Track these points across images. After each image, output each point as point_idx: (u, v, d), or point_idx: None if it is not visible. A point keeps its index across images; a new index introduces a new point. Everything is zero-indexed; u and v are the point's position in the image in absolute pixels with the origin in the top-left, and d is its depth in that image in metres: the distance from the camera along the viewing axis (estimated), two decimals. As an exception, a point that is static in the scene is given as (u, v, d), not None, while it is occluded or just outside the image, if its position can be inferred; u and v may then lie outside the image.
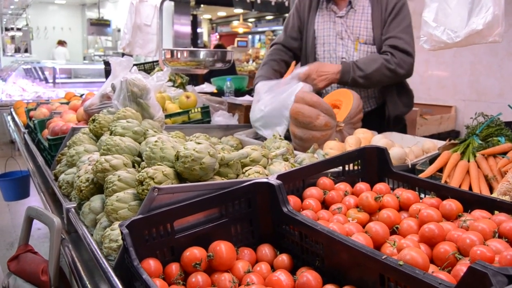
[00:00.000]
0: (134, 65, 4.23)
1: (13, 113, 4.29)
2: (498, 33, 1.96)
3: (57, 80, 8.94)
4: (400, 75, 2.62)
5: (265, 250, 1.34)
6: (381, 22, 2.65)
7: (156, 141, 1.53)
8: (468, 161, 1.83)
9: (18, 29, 14.20)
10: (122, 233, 1.14)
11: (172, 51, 2.70)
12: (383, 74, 2.57)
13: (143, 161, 1.60)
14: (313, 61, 2.85)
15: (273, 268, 1.28)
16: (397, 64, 2.56)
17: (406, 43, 2.59)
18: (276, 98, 2.45)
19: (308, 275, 1.15)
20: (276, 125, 2.41)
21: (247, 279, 1.17)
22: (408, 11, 2.67)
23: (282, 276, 1.16)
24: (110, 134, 1.83)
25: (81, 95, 4.22)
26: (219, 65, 2.85)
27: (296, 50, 3.04)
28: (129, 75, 2.16)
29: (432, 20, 2.08)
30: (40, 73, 9.22)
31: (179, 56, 2.70)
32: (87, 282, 1.38)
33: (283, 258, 1.29)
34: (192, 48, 3.53)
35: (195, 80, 4.90)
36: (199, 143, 1.43)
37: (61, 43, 15.78)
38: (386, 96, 2.78)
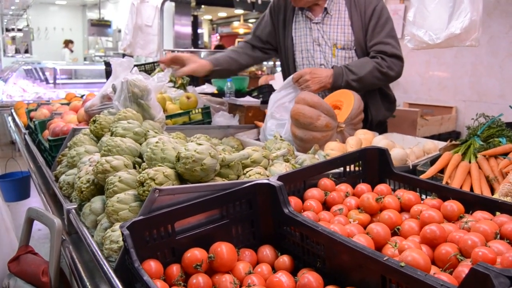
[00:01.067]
0: (135, 65, 4.23)
1: (14, 113, 4.29)
2: (475, 38, 2.02)
3: (57, 81, 8.94)
4: (392, 77, 2.64)
5: (266, 251, 1.33)
6: (362, 27, 2.65)
7: (157, 142, 1.52)
8: (469, 162, 1.82)
9: (19, 30, 14.23)
10: (123, 234, 1.14)
11: (173, 52, 2.69)
12: (376, 77, 2.58)
13: (144, 162, 1.60)
14: (293, 69, 2.88)
15: (274, 270, 1.27)
16: (388, 67, 2.57)
17: (393, 47, 2.60)
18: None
19: (309, 276, 1.15)
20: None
21: (248, 280, 1.17)
22: (388, 13, 2.67)
23: (283, 277, 1.16)
24: (111, 135, 1.82)
25: (82, 96, 4.22)
26: (219, 66, 2.84)
27: (262, 50, 3.10)
28: (130, 76, 2.16)
29: (414, 21, 2.13)
30: (40, 73, 9.21)
31: (180, 56, 2.69)
32: (88, 283, 1.37)
33: (284, 259, 1.28)
34: (192, 49, 3.53)
35: (196, 81, 4.89)
36: (200, 144, 1.43)
37: (67, 43, 15.77)
38: (368, 100, 2.77)
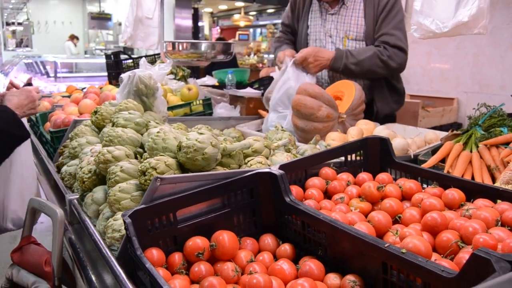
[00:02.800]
0: (135, 58, 4.23)
1: (15, 106, 4.28)
2: (483, 25, 2.00)
3: (58, 75, 8.94)
4: (392, 68, 2.62)
5: (268, 240, 1.34)
6: (373, 18, 2.66)
7: (158, 132, 1.53)
8: (471, 151, 1.82)
9: (19, 24, 14.20)
10: (125, 222, 1.14)
11: (173, 43, 2.69)
12: (375, 63, 2.57)
13: (145, 152, 1.60)
14: None
15: (276, 258, 1.28)
16: (389, 56, 2.57)
17: (398, 39, 2.60)
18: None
19: (310, 264, 1.15)
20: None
21: (249, 268, 1.17)
22: (401, 6, 2.67)
23: (285, 265, 1.16)
24: (112, 126, 1.83)
25: (83, 89, 4.22)
26: (220, 57, 2.84)
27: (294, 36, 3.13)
28: (140, 72, 2.15)
29: (421, 10, 2.11)
30: (41, 67, 9.21)
31: (180, 48, 2.69)
32: (90, 272, 1.38)
33: (286, 247, 1.29)
34: (193, 40, 3.53)
35: (197, 73, 4.88)
36: (201, 134, 1.43)
37: (72, 37, 15.73)
38: (375, 92, 2.77)
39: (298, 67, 2.59)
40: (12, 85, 2.15)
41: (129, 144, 1.68)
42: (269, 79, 4.28)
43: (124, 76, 2.19)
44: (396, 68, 2.64)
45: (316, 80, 2.66)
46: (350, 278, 1.09)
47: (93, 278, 1.35)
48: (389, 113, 2.83)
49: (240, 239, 1.30)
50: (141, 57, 4.31)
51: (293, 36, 3.11)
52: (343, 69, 2.58)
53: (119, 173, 1.46)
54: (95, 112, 2.03)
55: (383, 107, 2.76)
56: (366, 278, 1.09)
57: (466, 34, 2.09)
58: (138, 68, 3.74)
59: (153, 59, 4.00)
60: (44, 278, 1.64)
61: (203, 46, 2.73)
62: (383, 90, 2.77)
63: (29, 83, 2.12)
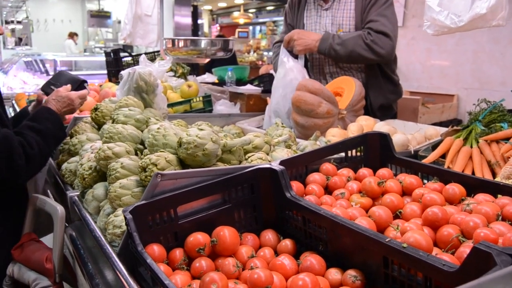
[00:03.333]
0: (134, 55, 4.22)
1: (15, 105, 4.29)
2: (502, 16, 1.95)
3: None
4: (378, 53, 2.56)
5: (269, 235, 1.34)
6: (361, 9, 2.66)
7: (158, 128, 1.53)
8: (471, 147, 1.82)
9: (18, 22, 14.16)
10: (125, 218, 1.14)
11: (173, 40, 2.68)
12: (359, 44, 2.54)
13: (145, 148, 1.60)
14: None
15: (277, 253, 1.28)
16: (372, 41, 2.54)
17: (381, 24, 2.57)
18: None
19: (311, 259, 1.15)
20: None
21: (250, 264, 1.17)
22: None
23: (285, 260, 1.16)
24: (112, 122, 1.83)
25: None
26: (220, 54, 2.84)
27: None
28: (140, 69, 2.14)
29: (436, 4, 2.07)
30: (41, 65, 9.19)
31: (180, 45, 2.69)
32: (92, 268, 1.38)
33: (287, 243, 1.29)
34: (193, 37, 3.52)
35: (196, 70, 4.87)
36: (201, 130, 1.43)
37: (72, 35, 15.71)
38: (368, 82, 2.75)
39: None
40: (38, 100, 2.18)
41: (129, 141, 1.68)
42: (269, 76, 4.28)
43: (124, 73, 2.19)
44: (383, 54, 2.58)
45: (303, 62, 2.67)
46: (351, 273, 1.09)
47: (95, 274, 1.35)
48: (385, 104, 2.80)
49: (241, 234, 1.30)
50: (140, 54, 4.31)
51: None
52: (329, 50, 2.58)
53: (119, 169, 1.46)
54: (95, 109, 2.03)
55: (377, 96, 2.74)
56: (367, 272, 1.10)
57: (484, 27, 2.03)
58: (137, 65, 3.75)
59: (152, 56, 4.00)
60: (45, 275, 1.65)
61: (203, 43, 2.73)
62: (377, 79, 2.76)
63: (39, 101, 2.15)
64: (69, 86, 2.08)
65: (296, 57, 2.65)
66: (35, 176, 1.93)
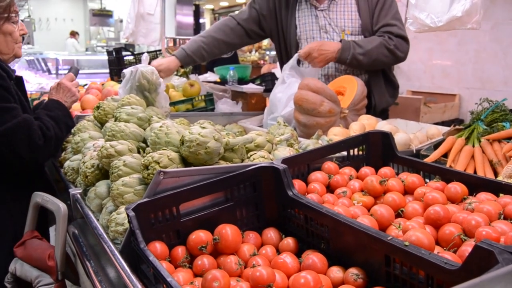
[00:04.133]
0: (136, 54, 4.23)
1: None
2: (476, 20, 2.03)
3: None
4: (399, 57, 2.61)
5: (271, 233, 1.34)
6: (368, 11, 2.65)
7: (161, 127, 1.53)
8: (473, 146, 1.82)
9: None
10: (128, 215, 1.14)
11: (174, 39, 2.69)
12: (382, 53, 2.55)
13: (148, 146, 1.61)
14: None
15: (279, 252, 1.28)
16: (395, 46, 2.56)
17: (399, 28, 2.60)
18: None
19: (313, 257, 1.15)
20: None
21: (252, 262, 1.18)
22: None
23: (287, 258, 1.17)
24: (115, 121, 1.83)
25: (84, 85, 4.23)
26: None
27: (250, 33, 2.97)
28: (142, 67, 2.15)
29: (416, 4, 2.13)
30: (43, 64, 9.21)
31: (182, 44, 2.69)
32: (94, 266, 1.39)
33: (289, 241, 1.29)
34: (194, 36, 3.52)
35: (198, 69, 4.88)
36: (204, 128, 1.43)
37: (73, 34, 15.73)
38: (372, 85, 2.75)
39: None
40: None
41: (131, 139, 1.69)
42: (271, 75, 4.29)
43: (127, 71, 2.19)
44: (402, 57, 2.64)
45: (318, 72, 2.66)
46: (353, 271, 1.10)
47: (97, 271, 1.36)
48: (385, 107, 2.82)
49: (243, 233, 1.31)
50: (142, 53, 4.32)
51: (256, 25, 2.96)
52: (350, 60, 2.54)
53: (122, 167, 1.47)
54: (98, 107, 2.04)
55: (381, 100, 2.75)
56: (368, 271, 1.10)
57: (460, 29, 2.11)
58: (139, 64, 3.75)
59: (154, 55, 4.01)
60: (48, 273, 1.65)
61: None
62: (380, 83, 2.76)
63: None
64: (70, 75, 2.31)
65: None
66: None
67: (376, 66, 2.66)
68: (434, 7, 2.08)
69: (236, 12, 3.04)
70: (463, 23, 2.03)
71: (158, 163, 1.36)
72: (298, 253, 1.26)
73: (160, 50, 4.16)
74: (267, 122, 2.54)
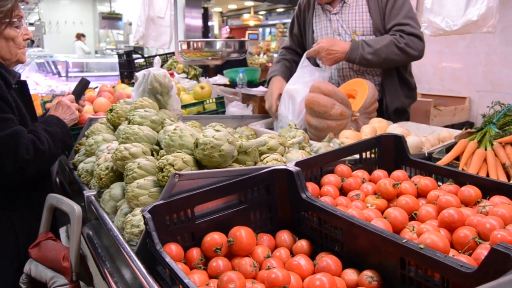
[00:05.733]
0: (147, 57, 4.25)
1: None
2: (491, 24, 2.02)
3: (69, 74, 9.00)
4: (411, 55, 2.59)
5: (284, 236, 1.35)
6: (379, 11, 2.65)
7: (174, 129, 1.54)
8: (485, 149, 1.82)
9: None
10: (144, 217, 1.16)
11: (188, 42, 2.70)
12: (392, 51, 2.54)
13: (161, 149, 1.62)
14: (313, 60, 2.87)
15: (292, 254, 1.29)
16: (406, 44, 2.54)
17: (412, 27, 2.58)
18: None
19: (328, 259, 1.16)
20: None
21: (267, 264, 1.18)
22: None
23: (302, 260, 1.18)
24: (128, 123, 1.85)
25: (95, 88, 4.26)
26: (234, 55, 2.85)
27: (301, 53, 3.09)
28: (154, 70, 2.16)
29: (432, 8, 2.13)
30: (53, 67, 9.27)
31: (195, 47, 2.70)
32: (109, 267, 1.40)
33: (302, 243, 1.30)
34: (208, 39, 3.53)
35: (207, 72, 4.90)
36: (218, 131, 1.44)
37: (79, 36, 15.84)
38: (385, 86, 2.76)
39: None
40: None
41: (145, 141, 1.70)
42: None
43: (139, 74, 2.21)
44: (416, 55, 2.61)
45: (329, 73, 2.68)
46: (367, 273, 1.10)
47: (112, 272, 1.37)
48: (400, 107, 2.79)
49: (256, 235, 1.31)
50: (152, 56, 4.35)
51: (299, 47, 3.12)
52: (359, 59, 2.56)
53: (136, 169, 1.48)
54: (111, 110, 2.06)
55: (393, 100, 2.74)
56: (383, 273, 1.10)
57: (476, 33, 2.10)
58: (149, 67, 3.77)
59: (165, 58, 4.03)
60: (62, 273, 1.67)
61: (218, 44, 2.74)
62: (394, 83, 2.76)
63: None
64: (71, 96, 2.29)
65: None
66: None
67: (388, 64, 2.66)
68: (449, 11, 2.07)
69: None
70: (478, 27, 2.02)
71: (173, 165, 1.37)
72: (312, 255, 1.27)
73: (170, 53, 4.17)
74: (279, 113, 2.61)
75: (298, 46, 3.13)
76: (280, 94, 2.66)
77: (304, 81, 2.54)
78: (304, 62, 2.66)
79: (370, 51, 2.54)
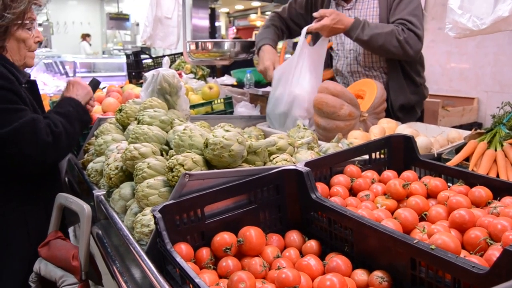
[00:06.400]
0: (154, 58, 4.27)
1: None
2: None
3: (77, 74, 9.05)
4: (406, 51, 2.54)
5: (294, 236, 1.35)
6: (387, 5, 2.64)
7: (184, 129, 1.55)
8: (495, 150, 1.81)
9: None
10: (154, 217, 1.16)
11: (197, 43, 2.71)
12: (390, 41, 2.50)
13: (170, 149, 1.62)
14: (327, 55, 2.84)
15: (302, 254, 1.29)
16: (405, 39, 2.51)
17: (414, 25, 2.54)
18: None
19: (338, 260, 1.16)
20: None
21: (277, 264, 1.19)
22: None
23: (311, 261, 1.17)
24: (138, 123, 1.85)
25: (103, 88, 4.27)
26: (243, 56, 2.86)
27: (291, 30, 3.10)
28: (164, 70, 2.17)
29: (458, 7, 2.06)
30: (60, 67, 9.33)
31: (204, 47, 2.71)
32: (119, 266, 1.41)
33: (312, 244, 1.30)
34: (217, 39, 3.53)
35: (214, 72, 4.90)
36: (227, 131, 1.45)
37: (84, 37, 15.93)
38: (389, 82, 2.73)
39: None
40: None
41: (154, 141, 1.71)
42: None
43: (148, 74, 2.22)
44: (411, 53, 2.56)
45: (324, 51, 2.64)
46: (378, 274, 1.10)
47: (122, 272, 1.38)
48: (405, 104, 2.76)
49: (266, 235, 1.31)
50: (159, 56, 4.36)
51: (293, 23, 3.06)
52: (356, 38, 2.54)
53: (146, 169, 1.49)
54: (120, 110, 2.06)
55: (397, 96, 2.72)
56: (393, 274, 1.10)
57: (506, 30, 2.02)
58: (157, 67, 3.79)
59: (173, 59, 4.04)
60: (72, 273, 1.67)
61: (227, 45, 2.75)
62: (398, 79, 2.73)
63: None
64: (78, 79, 2.30)
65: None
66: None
67: (382, 53, 2.63)
68: (477, 9, 1.98)
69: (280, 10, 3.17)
70: (509, 23, 1.93)
71: (183, 165, 1.38)
72: (321, 255, 1.27)
73: (178, 54, 4.18)
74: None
75: (292, 21, 3.06)
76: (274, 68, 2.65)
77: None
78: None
79: (369, 33, 2.50)
